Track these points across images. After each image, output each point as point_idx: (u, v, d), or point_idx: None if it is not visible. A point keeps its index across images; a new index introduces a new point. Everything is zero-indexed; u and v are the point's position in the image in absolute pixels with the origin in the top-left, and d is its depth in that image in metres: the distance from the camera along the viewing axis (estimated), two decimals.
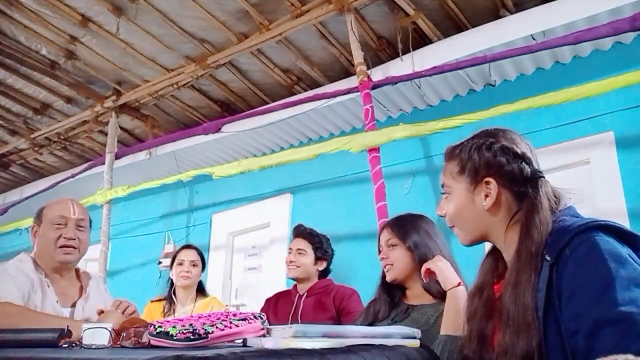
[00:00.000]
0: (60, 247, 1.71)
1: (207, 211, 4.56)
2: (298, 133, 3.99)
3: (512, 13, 3.10)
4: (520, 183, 1.05)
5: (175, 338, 0.94)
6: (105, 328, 1.15)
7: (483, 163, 1.07)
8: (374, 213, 2.79)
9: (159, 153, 4.41)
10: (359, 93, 3.15)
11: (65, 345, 1.17)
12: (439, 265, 1.48)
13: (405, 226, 1.70)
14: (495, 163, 1.06)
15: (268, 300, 2.58)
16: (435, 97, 3.46)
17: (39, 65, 4.08)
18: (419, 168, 3.45)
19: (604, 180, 2.75)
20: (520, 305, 0.94)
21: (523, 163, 1.06)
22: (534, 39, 2.85)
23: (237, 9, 3.36)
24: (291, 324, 1.32)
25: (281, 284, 3.48)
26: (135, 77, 4.12)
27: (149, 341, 1.01)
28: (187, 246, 2.85)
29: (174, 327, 0.96)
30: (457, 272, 1.51)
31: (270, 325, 1.04)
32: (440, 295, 1.58)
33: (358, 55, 3.16)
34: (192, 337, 0.93)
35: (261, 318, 1.04)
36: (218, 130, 3.80)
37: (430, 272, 1.52)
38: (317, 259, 2.48)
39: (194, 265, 2.73)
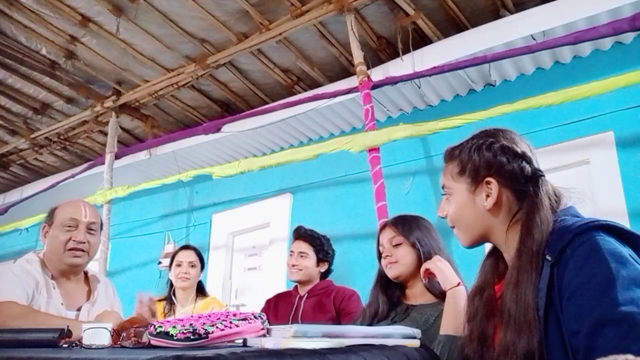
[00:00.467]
0: (70, 249, 1.70)
1: (207, 211, 4.56)
2: (298, 133, 3.99)
3: (512, 13, 3.10)
4: (521, 182, 1.05)
5: (175, 338, 0.94)
6: (106, 328, 1.15)
7: (483, 163, 1.07)
8: (374, 213, 2.79)
9: (159, 153, 4.41)
10: (359, 93, 3.15)
11: (66, 346, 1.17)
12: (439, 265, 1.49)
13: (408, 224, 1.71)
14: (496, 163, 1.06)
15: (268, 301, 2.57)
16: (435, 97, 3.47)
17: (39, 65, 4.08)
18: (419, 168, 3.45)
19: (604, 180, 2.75)
20: (521, 303, 0.94)
21: (523, 162, 1.06)
22: (534, 39, 2.85)
23: (237, 9, 3.36)
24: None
25: (281, 284, 3.48)
26: (135, 77, 4.12)
27: (149, 341, 1.01)
28: (186, 247, 2.84)
29: (174, 327, 0.96)
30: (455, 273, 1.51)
31: (270, 325, 1.04)
32: (441, 295, 1.58)
33: (358, 55, 3.16)
34: (192, 337, 0.93)
35: (261, 318, 1.04)
36: (218, 130, 3.80)
37: (429, 273, 1.52)
38: (319, 260, 2.47)
39: (192, 266, 2.72)
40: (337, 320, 2.30)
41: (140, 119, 4.55)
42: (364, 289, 2.17)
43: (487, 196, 1.07)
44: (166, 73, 4.01)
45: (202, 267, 2.79)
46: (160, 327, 0.99)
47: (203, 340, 0.93)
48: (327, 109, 3.56)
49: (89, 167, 4.59)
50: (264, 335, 1.00)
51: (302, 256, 2.45)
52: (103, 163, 4.35)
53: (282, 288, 2.57)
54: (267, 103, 4.05)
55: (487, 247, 1.18)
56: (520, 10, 3.00)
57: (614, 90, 2.45)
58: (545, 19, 2.82)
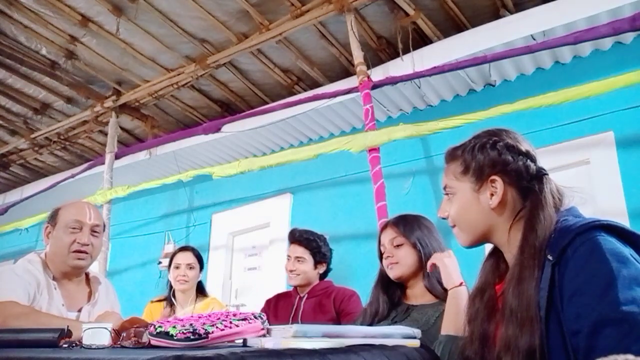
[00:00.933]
0: (74, 251, 1.70)
1: (207, 211, 4.56)
2: (298, 133, 3.99)
3: (512, 13, 3.10)
4: (526, 180, 1.05)
5: (175, 338, 0.94)
6: (106, 328, 1.15)
7: (488, 161, 1.07)
8: (374, 213, 2.79)
9: (159, 153, 4.41)
10: (359, 93, 3.15)
11: (66, 346, 1.17)
12: (445, 262, 1.47)
13: (409, 224, 1.70)
14: (501, 161, 1.06)
15: (268, 301, 2.57)
16: (435, 97, 3.47)
17: (39, 65, 4.08)
18: (419, 168, 3.45)
19: (604, 180, 2.75)
20: (523, 299, 0.94)
21: (528, 160, 1.07)
22: (534, 39, 2.85)
23: (237, 9, 3.36)
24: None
25: (281, 284, 3.48)
26: (135, 77, 4.12)
27: (149, 341, 1.01)
28: (183, 248, 2.81)
29: (174, 327, 0.96)
30: None
31: (270, 325, 1.04)
32: (442, 296, 1.58)
33: (358, 55, 3.16)
34: (192, 337, 0.92)
35: (261, 318, 1.04)
36: (218, 130, 3.80)
37: (435, 265, 1.51)
38: (317, 262, 2.43)
39: (190, 268, 2.69)
40: (337, 321, 2.30)
41: (140, 119, 4.55)
42: (364, 289, 2.17)
43: (492, 195, 1.06)
44: (166, 73, 4.01)
45: (202, 267, 2.77)
46: (160, 327, 0.99)
47: (203, 340, 0.93)
48: (327, 109, 3.56)
49: (89, 167, 4.59)
50: (264, 335, 1.00)
51: (298, 261, 2.41)
52: (103, 163, 4.36)
53: (282, 288, 2.56)
54: (267, 103, 4.05)
55: (487, 247, 1.18)
56: (520, 10, 3.00)
57: (614, 90, 2.45)
58: (545, 19, 2.82)
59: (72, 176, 4.73)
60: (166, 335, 0.96)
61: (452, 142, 1.20)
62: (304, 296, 2.43)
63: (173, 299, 2.74)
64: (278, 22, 3.42)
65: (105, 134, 4.57)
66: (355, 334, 1.03)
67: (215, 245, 4.41)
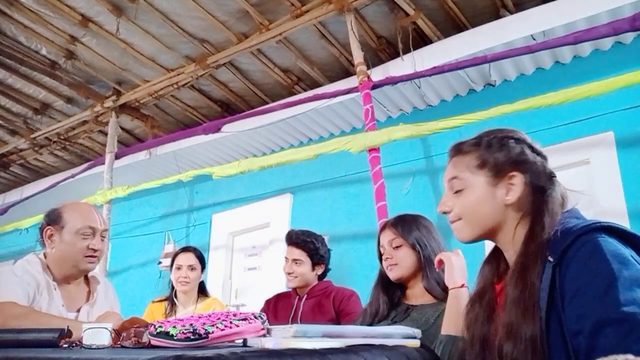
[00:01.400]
0: (86, 256, 1.73)
1: (207, 211, 4.56)
2: (298, 133, 3.99)
3: (512, 13, 3.10)
4: (541, 180, 1.06)
5: (175, 338, 0.94)
6: (106, 328, 1.15)
7: (510, 157, 1.07)
8: (374, 213, 2.79)
9: (159, 153, 4.41)
10: (359, 93, 3.15)
11: (66, 346, 1.17)
12: (452, 260, 1.46)
13: (407, 225, 1.69)
14: (523, 158, 1.07)
15: (268, 302, 2.57)
16: (435, 97, 3.47)
17: (39, 65, 4.08)
18: (419, 168, 3.45)
19: (604, 180, 2.75)
20: (526, 288, 0.94)
21: (544, 161, 1.08)
22: (534, 39, 2.85)
23: (237, 9, 3.36)
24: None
25: (281, 284, 3.47)
26: (135, 77, 4.12)
27: (149, 341, 1.01)
28: (185, 249, 2.79)
29: (174, 327, 0.96)
30: None
31: (270, 326, 1.04)
32: (441, 296, 1.58)
33: (358, 55, 3.16)
34: (192, 337, 0.92)
35: (261, 318, 1.04)
36: (218, 130, 3.80)
37: (441, 262, 1.50)
38: (315, 264, 2.42)
39: (192, 269, 2.68)
40: (337, 321, 2.29)
41: (140, 119, 4.55)
42: (363, 289, 2.17)
43: (509, 191, 1.06)
44: (166, 73, 4.01)
45: (203, 267, 2.76)
46: (160, 327, 0.99)
47: (203, 340, 0.93)
48: (327, 109, 3.57)
49: (89, 167, 4.59)
50: (264, 335, 1.00)
51: (296, 263, 2.40)
52: (103, 163, 4.36)
53: (282, 288, 2.56)
54: (267, 103, 4.05)
55: (487, 248, 1.18)
56: (520, 10, 3.00)
57: (614, 90, 2.45)
58: (545, 19, 2.82)
59: (72, 176, 4.74)
60: (166, 335, 0.96)
61: (452, 142, 1.19)
62: (303, 296, 2.43)
63: (175, 299, 2.74)
64: (278, 22, 3.42)
65: (105, 134, 4.57)
66: (355, 334, 1.03)
67: (215, 245, 4.41)
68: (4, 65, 4.07)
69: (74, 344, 1.17)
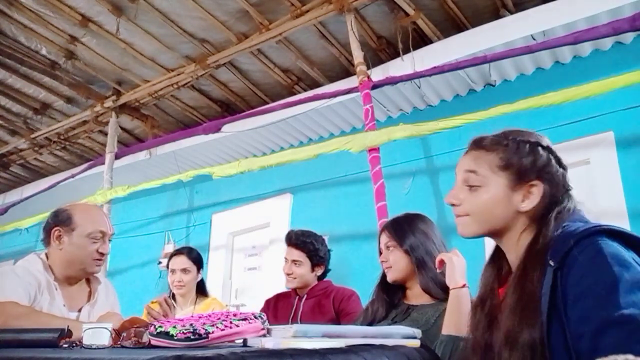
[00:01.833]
0: (94, 259, 1.76)
1: (207, 211, 4.56)
2: (298, 133, 3.99)
3: (512, 13, 3.10)
4: (559, 192, 1.05)
5: (175, 338, 0.94)
6: (106, 328, 1.15)
7: (535, 165, 1.05)
8: (374, 213, 2.79)
9: (159, 153, 4.41)
10: (359, 93, 3.15)
11: (66, 346, 1.17)
12: (453, 261, 1.46)
13: (401, 228, 1.70)
14: (546, 168, 1.05)
15: (268, 302, 2.57)
16: (435, 97, 3.47)
17: (39, 65, 4.08)
18: (419, 168, 3.44)
19: (604, 180, 2.75)
20: (525, 293, 0.94)
21: (565, 172, 1.07)
22: (534, 39, 2.85)
23: (237, 9, 3.36)
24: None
25: (281, 284, 3.47)
26: (135, 77, 4.12)
27: (149, 341, 1.01)
28: (178, 252, 2.75)
29: (174, 327, 0.96)
30: None
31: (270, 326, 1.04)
32: (440, 296, 1.58)
33: (358, 55, 3.16)
34: (192, 337, 0.93)
35: (261, 318, 1.04)
36: (218, 130, 3.80)
37: (442, 263, 1.50)
38: (314, 265, 2.42)
39: (186, 272, 2.66)
40: (337, 321, 2.29)
41: (140, 119, 4.55)
42: (363, 289, 2.17)
43: (525, 198, 1.05)
44: (166, 73, 4.01)
45: (200, 268, 2.73)
46: (160, 327, 0.99)
47: (203, 340, 0.93)
48: (327, 109, 3.56)
49: (89, 167, 4.59)
50: (264, 335, 1.00)
51: (295, 264, 2.40)
52: (103, 163, 4.36)
53: (282, 288, 2.55)
54: (267, 103, 4.05)
55: (489, 249, 1.17)
56: (520, 10, 3.00)
57: (614, 90, 2.45)
58: (545, 19, 2.82)
59: (72, 176, 4.74)
60: (166, 335, 0.96)
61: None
62: (303, 296, 2.43)
63: (173, 301, 2.73)
64: (278, 22, 3.42)
65: (105, 134, 4.57)
66: (355, 334, 1.03)
67: (215, 245, 4.41)
68: (4, 65, 4.07)
69: (74, 344, 1.17)
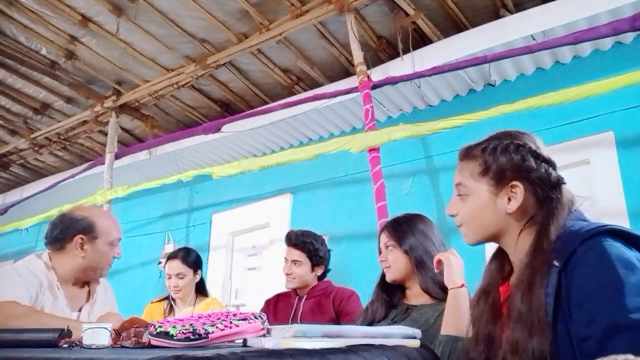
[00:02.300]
0: (109, 264, 1.84)
1: (207, 211, 4.56)
2: (298, 133, 3.99)
3: (512, 13, 3.10)
4: (546, 188, 1.04)
5: (175, 338, 0.94)
6: (106, 328, 1.15)
7: (511, 166, 1.05)
8: (374, 213, 2.79)
9: (159, 153, 4.41)
10: (359, 93, 3.15)
11: (66, 346, 1.17)
12: (451, 260, 1.46)
13: (401, 229, 1.70)
14: (524, 167, 1.05)
15: (268, 302, 2.57)
16: (435, 97, 3.46)
17: (39, 65, 4.08)
18: (419, 168, 3.44)
19: (604, 180, 2.75)
20: (534, 303, 0.93)
21: (550, 168, 1.06)
22: (534, 39, 2.85)
23: (237, 9, 3.36)
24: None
25: (281, 284, 3.48)
26: (135, 77, 4.12)
27: (149, 341, 1.01)
28: (172, 256, 2.72)
29: (174, 327, 0.96)
30: None
31: (270, 326, 1.04)
32: (439, 296, 1.58)
33: (358, 55, 3.16)
34: (192, 337, 0.93)
35: (261, 318, 1.04)
36: (218, 130, 3.80)
37: (440, 263, 1.50)
38: (314, 265, 2.42)
39: (181, 277, 2.64)
40: (337, 321, 2.30)
41: (140, 119, 4.55)
42: (363, 289, 2.17)
43: (510, 200, 1.05)
44: (166, 73, 4.01)
45: (197, 268, 2.71)
46: (160, 327, 0.99)
47: (203, 340, 0.93)
48: (327, 109, 3.56)
49: (89, 167, 4.59)
50: (264, 335, 1.00)
51: (295, 264, 2.40)
52: (103, 163, 4.35)
53: (282, 288, 2.56)
54: (267, 103, 4.05)
55: (489, 249, 1.18)
56: (520, 10, 3.00)
57: (614, 90, 2.45)
58: (545, 19, 2.82)
59: (72, 176, 4.73)
60: (166, 335, 0.96)
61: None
62: (303, 297, 2.43)
63: (172, 301, 2.73)
64: (278, 22, 3.42)
65: (105, 134, 4.57)
66: (355, 334, 1.03)
67: (215, 245, 4.41)
68: (4, 65, 4.07)
69: (74, 344, 1.17)
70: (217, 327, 0.96)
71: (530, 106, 2.60)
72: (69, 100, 4.49)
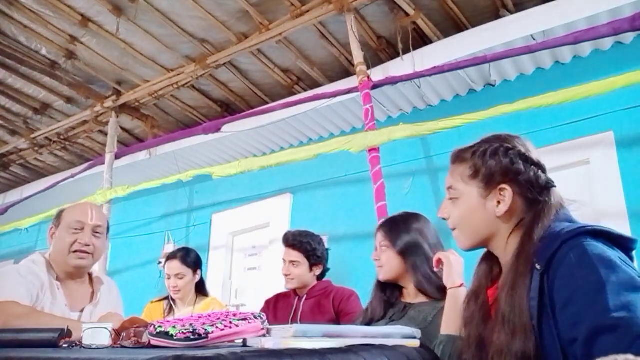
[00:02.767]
0: (75, 251, 1.72)
1: (207, 211, 4.56)
2: (298, 133, 3.99)
3: (512, 13, 3.10)
4: (535, 191, 1.04)
5: (175, 338, 0.94)
6: (106, 328, 1.15)
7: (499, 169, 1.06)
8: (374, 213, 2.79)
9: (159, 153, 4.41)
10: (359, 93, 3.15)
11: (66, 346, 1.17)
12: (451, 260, 1.46)
13: (397, 229, 1.69)
14: (513, 170, 1.05)
15: (268, 302, 2.57)
16: (435, 97, 3.47)
17: (39, 65, 4.08)
18: (419, 168, 3.45)
19: (604, 180, 2.75)
20: (516, 305, 0.94)
21: (539, 171, 1.06)
22: (534, 39, 2.85)
23: (237, 9, 3.36)
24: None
25: (281, 284, 3.48)
26: (135, 77, 4.12)
27: (149, 341, 1.01)
28: (171, 257, 2.72)
29: (174, 327, 0.96)
30: None
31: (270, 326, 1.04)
32: (435, 295, 1.58)
33: (358, 55, 3.16)
34: (192, 337, 0.93)
35: (261, 318, 1.04)
36: (218, 130, 3.80)
37: (440, 262, 1.50)
38: (312, 265, 2.43)
39: (180, 277, 2.64)
40: (337, 321, 2.30)
41: (140, 119, 4.55)
42: (363, 289, 2.17)
43: (499, 203, 1.05)
44: (166, 73, 4.01)
45: (197, 268, 2.71)
46: (160, 327, 0.99)
47: (203, 340, 0.93)
48: (327, 109, 3.56)
49: (89, 167, 4.59)
50: (264, 335, 1.00)
51: (293, 264, 2.40)
52: (103, 163, 4.35)
53: (282, 288, 2.56)
54: (267, 103, 4.05)
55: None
56: (520, 10, 3.00)
57: (614, 90, 2.45)
58: (545, 19, 2.82)
59: (72, 176, 4.73)
60: (166, 335, 0.96)
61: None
62: (303, 297, 2.43)
63: (172, 301, 2.73)
64: (278, 22, 3.42)
65: (105, 134, 4.57)
66: (355, 334, 1.03)
67: (215, 245, 4.41)
68: (4, 65, 4.07)
69: (74, 344, 1.17)
70: (217, 327, 0.96)
71: (530, 106, 2.60)
72: (69, 100, 4.49)
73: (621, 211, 2.63)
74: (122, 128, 4.63)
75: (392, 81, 3.15)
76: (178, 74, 3.95)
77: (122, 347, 1.12)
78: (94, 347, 1.11)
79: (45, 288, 1.65)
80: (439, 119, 2.88)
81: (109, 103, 4.36)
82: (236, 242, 4.42)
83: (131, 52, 3.80)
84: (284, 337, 0.94)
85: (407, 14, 3.20)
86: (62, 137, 4.98)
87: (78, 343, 1.16)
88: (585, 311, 0.84)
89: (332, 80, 3.81)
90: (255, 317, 1.03)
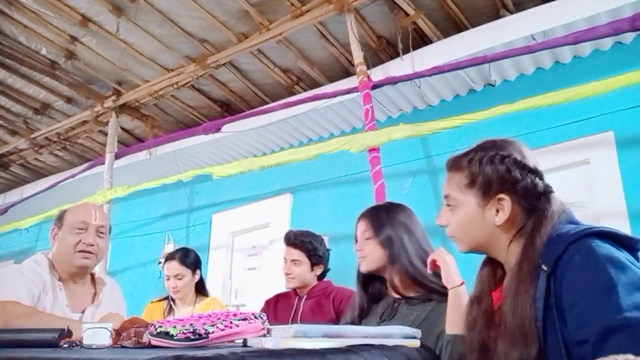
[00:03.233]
0: (79, 251, 1.72)
1: (207, 211, 4.56)
2: (298, 133, 3.99)
3: (512, 13, 3.10)
4: (533, 199, 1.03)
5: (175, 338, 0.94)
6: (106, 328, 1.15)
7: (497, 178, 1.05)
8: None
9: (159, 153, 4.41)
10: (359, 93, 3.15)
11: (66, 346, 1.17)
12: (446, 260, 1.43)
13: (380, 219, 1.65)
14: (510, 179, 1.04)
15: (268, 302, 2.57)
16: (435, 97, 3.46)
17: (39, 65, 4.08)
18: (419, 168, 3.45)
19: (604, 180, 2.75)
20: (517, 315, 0.94)
21: (537, 178, 1.05)
22: (534, 39, 2.85)
23: (237, 9, 3.36)
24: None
25: (281, 284, 3.47)
26: (135, 77, 4.12)
27: (149, 341, 1.01)
28: (170, 257, 2.72)
29: (174, 327, 0.96)
30: None
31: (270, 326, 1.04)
32: (422, 288, 1.54)
33: (358, 55, 3.16)
34: (192, 337, 0.93)
35: (261, 318, 1.04)
36: (218, 130, 3.80)
37: (435, 264, 1.49)
38: (313, 264, 2.43)
39: (179, 278, 2.65)
40: (337, 321, 2.29)
41: (140, 119, 4.55)
42: None
43: (498, 212, 1.05)
44: (166, 73, 4.01)
45: (196, 268, 2.71)
46: (160, 327, 0.99)
47: (203, 340, 0.93)
48: (327, 109, 3.56)
49: (89, 167, 4.59)
50: (264, 335, 1.00)
51: (294, 263, 2.41)
52: (103, 163, 4.35)
53: (282, 288, 2.56)
54: (267, 103, 4.05)
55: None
56: (520, 10, 3.00)
57: (614, 90, 2.45)
58: (545, 19, 2.82)
59: (72, 176, 4.73)
60: (166, 335, 0.96)
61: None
62: (303, 297, 2.43)
63: (172, 301, 2.73)
64: (278, 22, 3.42)
65: (105, 134, 4.57)
66: (355, 334, 1.03)
67: (215, 245, 4.41)
68: (4, 65, 4.07)
69: (74, 344, 1.17)
70: (217, 327, 0.96)
71: (530, 106, 2.60)
72: (69, 100, 4.49)
73: (621, 211, 2.63)
74: (122, 128, 4.63)
75: (392, 81, 3.15)
76: (178, 74, 3.95)
77: (123, 347, 1.12)
78: (94, 347, 1.11)
79: (47, 288, 1.64)
80: (439, 119, 2.88)
81: (109, 103, 4.36)
82: (236, 242, 4.42)
83: (131, 52, 3.80)
84: (284, 337, 0.94)
85: (407, 14, 3.20)
86: (62, 137, 4.98)
87: (78, 343, 1.16)
88: (595, 311, 0.83)
89: (332, 80, 3.81)
90: (256, 317, 1.03)
